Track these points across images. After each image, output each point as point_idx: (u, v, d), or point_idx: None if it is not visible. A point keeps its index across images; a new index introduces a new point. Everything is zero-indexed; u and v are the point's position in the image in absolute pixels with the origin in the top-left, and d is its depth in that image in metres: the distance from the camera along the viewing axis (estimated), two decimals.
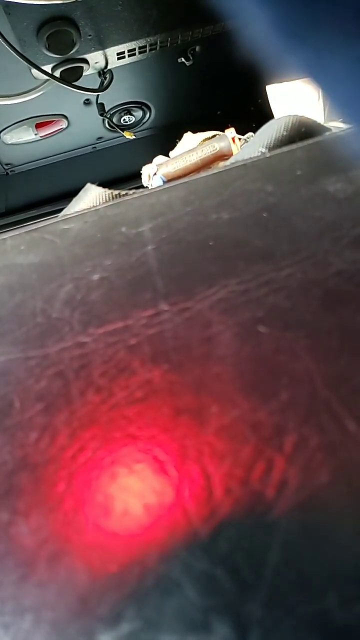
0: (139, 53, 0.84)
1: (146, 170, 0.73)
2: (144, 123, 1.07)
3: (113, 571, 0.17)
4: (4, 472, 0.20)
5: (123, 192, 0.40)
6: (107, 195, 0.39)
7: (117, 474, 0.20)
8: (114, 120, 1.03)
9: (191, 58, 0.89)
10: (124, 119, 1.04)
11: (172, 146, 0.88)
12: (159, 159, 0.76)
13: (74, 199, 0.43)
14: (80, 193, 0.42)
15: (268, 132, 0.42)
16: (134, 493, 0.19)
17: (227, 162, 0.49)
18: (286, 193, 0.32)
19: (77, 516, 0.19)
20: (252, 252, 0.28)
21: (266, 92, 0.88)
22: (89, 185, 0.41)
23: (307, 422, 0.20)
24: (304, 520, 0.17)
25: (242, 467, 0.19)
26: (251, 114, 1.08)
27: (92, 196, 0.40)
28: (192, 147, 0.74)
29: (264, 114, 0.93)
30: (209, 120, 0.98)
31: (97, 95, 0.92)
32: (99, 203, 0.39)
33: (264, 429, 0.20)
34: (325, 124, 0.54)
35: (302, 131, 0.42)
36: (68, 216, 0.34)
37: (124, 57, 0.84)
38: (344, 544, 0.17)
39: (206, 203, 0.33)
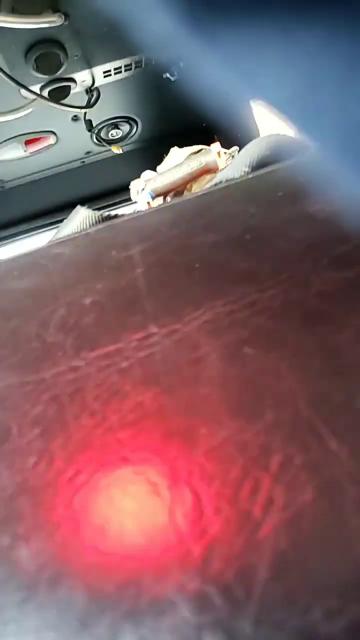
0: (125, 71, 0.85)
1: (135, 186, 0.74)
2: (131, 137, 1.08)
3: (110, 591, 0.18)
4: (4, 497, 0.21)
5: (112, 214, 0.41)
6: (96, 218, 0.40)
7: (113, 496, 0.21)
8: (102, 135, 1.04)
9: (176, 74, 0.90)
10: (112, 134, 1.05)
11: (159, 159, 0.89)
12: (147, 174, 0.77)
13: (64, 221, 0.44)
14: (71, 215, 0.43)
15: (251, 151, 0.44)
16: (129, 514, 0.20)
17: (214, 180, 0.51)
18: (268, 214, 0.33)
19: (75, 539, 0.20)
20: (237, 273, 0.29)
21: (250, 105, 0.89)
22: (78, 207, 0.42)
23: (292, 442, 0.21)
24: (289, 537, 0.18)
25: (231, 487, 0.20)
26: (236, 125, 1.10)
27: (81, 218, 0.41)
28: (179, 161, 0.75)
29: (248, 125, 0.94)
30: (194, 132, 1.00)
31: (85, 112, 0.94)
32: (89, 225, 0.40)
33: (250, 449, 0.21)
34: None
35: (283, 150, 0.44)
36: (60, 240, 0.35)
37: (110, 74, 0.85)
38: (328, 559, 0.18)
39: (192, 226, 0.34)
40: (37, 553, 0.19)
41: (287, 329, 0.26)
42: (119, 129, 1.04)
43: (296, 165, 0.38)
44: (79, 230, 0.36)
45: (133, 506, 0.20)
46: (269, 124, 0.85)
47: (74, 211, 0.43)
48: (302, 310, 0.27)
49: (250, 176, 0.38)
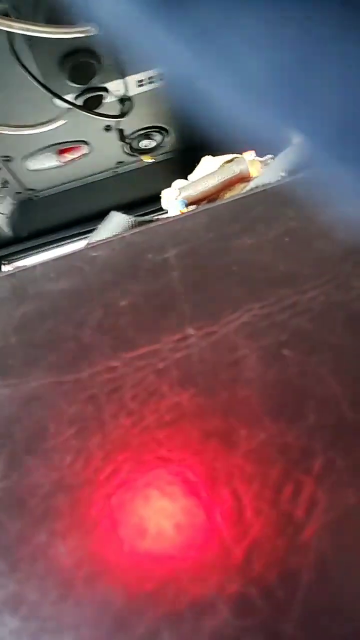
0: (159, 80, 0.86)
1: (167, 195, 0.75)
2: (162, 147, 1.09)
3: (148, 591, 0.18)
4: (41, 494, 0.21)
5: (147, 219, 0.42)
6: (132, 222, 0.40)
7: (150, 495, 0.21)
8: (134, 145, 1.05)
9: None
10: (144, 144, 1.06)
11: (191, 169, 0.90)
12: (179, 182, 0.77)
13: (99, 226, 0.44)
14: (105, 220, 0.43)
15: (288, 157, 0.43)
16: (167, 514, 0.20)
17: (249, 186, 0.51)
18: (307, 217, 0.33)
19: (113, 537, 0.20)
20: (275, 276, 0.29)
21: None
22: (113, 212, 0.43)
23: (334, 445, 0.20)
24: (334, 541, 0.18)
25: (271, 489, 0.19)
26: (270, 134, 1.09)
27: (117, 223, 0.41)
28: (211, 170, 0.75)
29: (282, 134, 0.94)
30: (227, 141, 1.00)
31: (118, 122, 0.95)
32: (124, 230, 0.40)
33: (291, 452, 0.21)
34: None
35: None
36: (96, 243, 0.36)
37: (143, 84, 0.86)
38: None
39: (228, 229, 0.34)
40: (74, 550, 0.19)
41: (328, 332, 0.25)
42: (151, 139, 1.05)
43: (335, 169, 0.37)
44: (114, 235, 0.36)
45: (171, 506, 0.20)
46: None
47: (108, 216, 0.44)
48: (343, 313, 0.26)
49: (287, 180, 0.38)
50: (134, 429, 0.23)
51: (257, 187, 0.40)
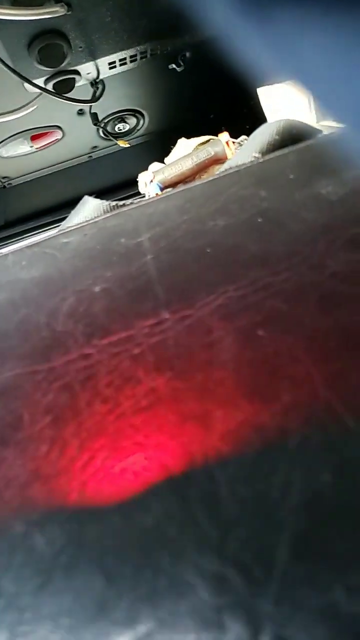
0: (130, 62, 0.85)
1: (142, 178, 0.74)
2: (138, 130, 1.08)
3: (127, 574, 0.18)
4: (18, 485, 0.21)
5: (120, 203, 0.41)
6: (104, 207, 0.40)
7: (127, 481, 0.21)
8: (108, 128, 1.03)
9: (182, 64, 0.90)
10: (118, 127, 1.05)
11: (167, 152, 0.89)
12: (155, 165, 0.77)
13: (72, 212, 0.44)
14: (78, 206, 0.43)
15: (260, 137, 0.43)
16: (143, 499, 0.20)
17: (222, 167, 0.50)
18: (280, 197, 0.33)
19: (90, 525, 0.19)
20: (249, 257, 0.29)
21: (257, 94, 0.88)
22: (86, 197, 0.42)
23: (309, 423, 0.20)
24: (309, 518, 0.18)
25: (248, 469, 0.19)
26: (244, 116, 1.09)
27: (89, 208, 0.40)
28: (186, 152, 0.74)
29: (256, 116, 0.93)
30: (202, 124, 0.99)
31: (90, 105, 0.93)
32: (97, 215, 0.40)
33: (267, 431, 0.21)
34: (316, 125, 0.55)
35: (294, 134, 0.43)
36: (67, 229, 0.35)
37: (115, 66, 0.84)
38: (350, 537, 0.17)
39: (202, 211, 0.33)
40: (53, 540, 0.19)
41: (302, 312, 0.25)
42: (125, 122, 1.04)
43: (307, 148, 0.37)
44: (87, 220, 0.36)
45: (147, 491, 0.20)
46: (277, 114, 0.84)
47: (81, 201, 0.43)
48: (317, 293, 0.26)
49: (260, 160, 0.38)
50: (109, 416, 0.23)
51: (230, 168, 0.39)
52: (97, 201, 0.41)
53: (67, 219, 0.45)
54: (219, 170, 0.70)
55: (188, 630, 0.16)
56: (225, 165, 0.43)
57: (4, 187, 1.07)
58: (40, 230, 1.10)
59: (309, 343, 0.24)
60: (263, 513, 0.18)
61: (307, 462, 0.19)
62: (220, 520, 0.18)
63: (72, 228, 0.35)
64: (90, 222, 0.35)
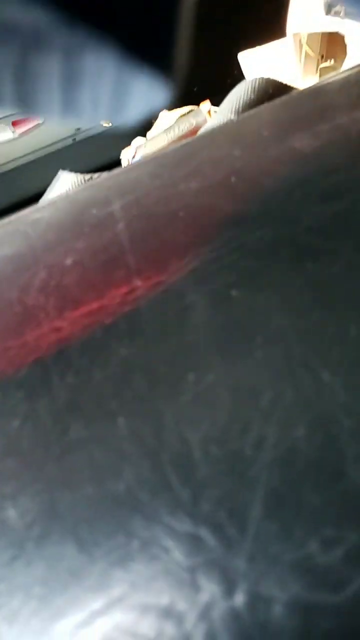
0: None
1: (125, 155, 0.73)
2: None
3: (100, 540, 0.17)
4: None
5: (96, 176, 0.40)
6: (79, 180, 0.39)
7: (103, 451, 0.20)
8: None
9: None
10: None
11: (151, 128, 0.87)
12: (138, 140, 0.75)
13: (48, 189, 0.43)
14: (53, 181, 0.42)
15: (236, 97, 0.42)
16: (117, 466, 0.19)
17: (199, 132, 0.49)
18: (253, 156, 0.32)
19: (65, 494, 0.19)
20: (223, 218, 0.28)
21: (239, 62, 0.86)
22: (60, 172, 0.41)
23: (283, 378, 0.20)
24: (283, 474, 0.17)
25: (220, 429, 0.19)
26: (228, 86, 1.06)
27: (64, 183, 0.40)
28: (168, 125, 0.73)
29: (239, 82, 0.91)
30: (186, 98, 0.97)
31: None
32: (71, 189, 0.39)
33: (240, 390, 0.20)
34: (301, 83, 0.53)
35: (270, 92, 0.42)
36: (39, 205, 0.34)
37: None
38: (324, 491, 0.17)
39: (174, 175, 0.32)
40: (25, 512, 0.19)
41: (276, 268, 0.25)
42: None
43: (281, 104, 0.36)
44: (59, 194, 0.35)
45: (119, 456, 0.20)
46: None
47: (55, 177, 0.42)
48: (291, 248, 0.25)
49: (235, 120, 0.37)
50: (81, 387, 0.22)
51: (204, 132, 0.38)
52: (71, 175, 0.40)
53: (44, 196, 0.45)
54: None
55: (162, 591, 0.16)
56: (201, 131, 0.42)
57: None
58: None
59: (282, 299, 0.23)
60: (236, 471, 0.18)
61: (280, 417, 0.19)
62: (193, 482, 0.18)
63: (45, 204, 0.34)
64: (62, 196, 0.34)
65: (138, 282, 0.26)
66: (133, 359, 0.23)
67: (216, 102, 0.83)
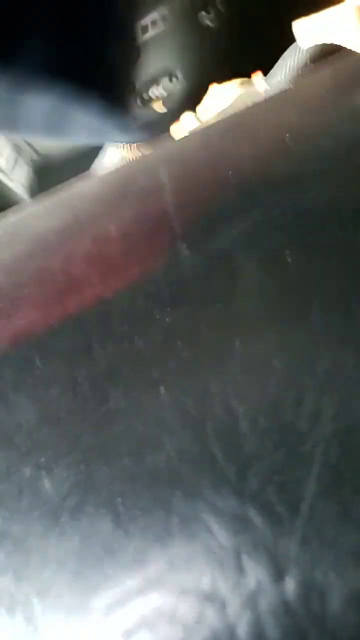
0: (160, 22, 0.81)
1: (176, 132, 0.71)
2: (174, 94, 1.04)
3: (137, 515, 0.16)
4: (27, 429, 0.20)
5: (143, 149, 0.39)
6: (125, 153, 0.38)
7: (144, 421, 0.19)
8: (144, 95, 1.01)
9: (212, 12, 0.85)
10: (153, 91, 1.02)
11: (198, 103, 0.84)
12: (188, 117, 0.73)
13: (95, 160, 0.42)
14: (100, 154, 0.41)
15: (288, 60, 0.39)
16: (156, 435, 0.18)
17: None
18: (311, 116, 0.29)
19: (101, 466, 0.18)
20: (275, 178, 0.26)
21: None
22: (107, 146, 0.40)
23: (342, 345, 0.18)
24: (341, 449, 0.15)
25: (270, 400, 0.17)
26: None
27: (110, 156, 0.39)
28: (220, 101, 0.70)
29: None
30: (234, 75, 0.94)
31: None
32: (119, 162, 0.38)
33: (294, 358, 0.18)
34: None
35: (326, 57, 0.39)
36: (86, 177, 0.33)
37: (147, 30, 0.81)
38: None
39: (225, 142, 0.31)
40: (60, 482, 0.18)
41: (333, 229, 0.22)
42: (158, 83, 1.00)
43: (342, 61, 0.33)
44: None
45: (160, 427, 0.18)
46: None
47: (101, 150, 0.41)
48: (350, 210, 0.23)
49: (290, 87, 0.34)
50: (122, 355, 0.21)
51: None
52: (118, 148, 0.39)
53: (91, 167, 0.44)
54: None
55: (203, 573, 0.14)
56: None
57: (47, 165, 1.08)
58: None
59: (341, 263, 0.21)
60: (289, 445, 0.16)
61: (340, 388, 0.17)
62: (239, 456, 0.16)
63: (91, 175, 0.33)
64: (111, 168, 0.33)
65: (184, 249, 0.25)
66: (176, 326, 0.21)
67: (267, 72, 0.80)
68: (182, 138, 0.34)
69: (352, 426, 0.16)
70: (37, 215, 0.31)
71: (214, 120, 0.67)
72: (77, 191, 0.32)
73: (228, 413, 0.17)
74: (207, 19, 0.89)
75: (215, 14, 0.88)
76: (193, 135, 0.33)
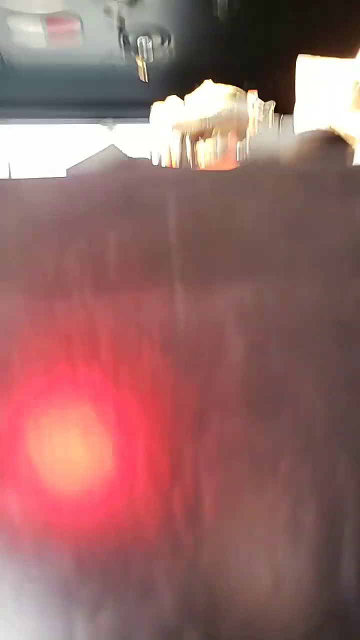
0: None
1: (157, 113, 0.69)
2: (159, 51, 1.00)
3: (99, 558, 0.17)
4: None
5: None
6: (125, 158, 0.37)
7: (114, 467, 0.20)
8: (130, 39, 0.95)
9: None
10: (140, 41, 0.97)
11: (182, 87, 0.83)
12: (173, 102, 0.72)
13: (94, 154, 0.40)
14: (101, 151, 0.39)
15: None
16: (123, 489, 0.19)
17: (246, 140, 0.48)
18: (317, 199, 0.31)
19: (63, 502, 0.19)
20: (274, 257, 0.28)
21: (296, 62, 0.84)
22: (112, 145, 0.38)
23: (305, 450, 0.20)
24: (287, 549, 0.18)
25: (235, 483, 0.19)
26: (274, 78, 1.04)
27: (113, 155, 0.37)
28: (211, 99, 0.70)
29: (288, 83, 0.89)
30: (229, 70, 0.93)
31: (121, 7, 0.85)
32: (120, 164, 0.37)
33: (259, 449, 0.20)
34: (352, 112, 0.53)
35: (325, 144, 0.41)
36: (90, 166, 0.32)
37: None
38: None
39: (236, 190, 0.31)
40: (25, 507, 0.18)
41: (318, 335, 0.25)
42: (150, 37, 0.96)
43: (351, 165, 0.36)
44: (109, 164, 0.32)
45: (127, 479, 0.19)
46: (310, 91, 0.80)
47: (105, 147, 0.39)
48: (334, 320, 0.26)
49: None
50: (108, 382, 0.22)
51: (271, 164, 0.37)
52: (120, 151, 0.37)
53: (88, 158, 0.41)
54: (236, 135, 0.66)
55: (148, 632, 0.16)
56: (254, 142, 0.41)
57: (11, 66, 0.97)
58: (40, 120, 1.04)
59: (316, 372, 0.23)
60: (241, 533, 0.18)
61: (295, 487, 0.19)
62: (197, 528, 0.18)
63: (97, 166, 0.32)
64: (117, 164, 0.32)
65: (179, 289, 0.25)
66: (162, 373, 0.23)
67: (260, 90, 0.80)
68: (194, 171, 0.34)
69: (297, 529, 0.18)
70: (35, 193, 0.29)
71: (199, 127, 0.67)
72: (78, 177, 0.31)
73: (195, 484, 0.19)
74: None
75: (228, 3, 0.87)
76: (206, 172, 0.33)
